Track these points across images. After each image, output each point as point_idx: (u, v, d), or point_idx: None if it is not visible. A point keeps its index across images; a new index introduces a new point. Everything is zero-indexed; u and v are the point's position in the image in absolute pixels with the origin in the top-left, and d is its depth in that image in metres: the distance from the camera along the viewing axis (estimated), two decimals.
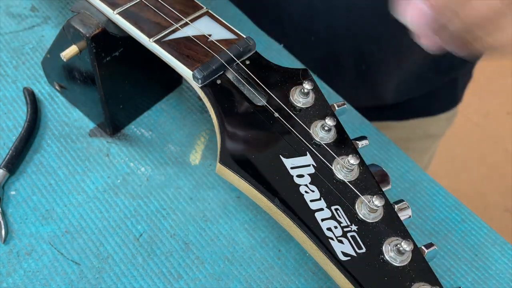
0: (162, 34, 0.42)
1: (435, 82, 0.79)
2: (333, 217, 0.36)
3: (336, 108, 0.41)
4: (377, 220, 0.36)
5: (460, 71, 0.81)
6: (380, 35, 0.70)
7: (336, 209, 0.36)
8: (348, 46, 0.71)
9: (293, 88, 0.41)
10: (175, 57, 0.41)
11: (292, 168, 0.37)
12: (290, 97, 0.41)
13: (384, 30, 0.69)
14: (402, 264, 0.34)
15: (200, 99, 0.57)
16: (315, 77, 0.57)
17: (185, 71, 0.41)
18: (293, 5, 0.70)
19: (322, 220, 0.35)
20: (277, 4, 0.71)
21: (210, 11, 0.45)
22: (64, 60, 0.46)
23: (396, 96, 0.77)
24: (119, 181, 0.51)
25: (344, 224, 0.36)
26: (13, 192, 0.50)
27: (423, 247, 0.36)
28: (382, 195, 0.37)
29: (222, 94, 0.40)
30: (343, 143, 0.39)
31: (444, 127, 0.86)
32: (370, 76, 0.74)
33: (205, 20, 0.44)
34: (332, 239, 0.35)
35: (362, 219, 0.36)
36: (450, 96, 0.84)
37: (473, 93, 0.86)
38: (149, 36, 0.42)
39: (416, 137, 0.83)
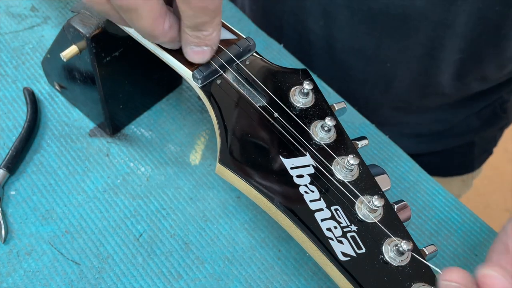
0: None
1: (446, 143, 0.74)
2: (332, 217, 0.36)
3: (336, 108, 0.41)
4: (377, 220, 0.36)
5: (477, 135, 0.75)
6: (380, 92, 0.66)
7: (336, 209, 0.36)
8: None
9: (293, 88, 0.41)
10: (175, 57, 0.41)
11: (291, 168, 0.37)
12: (290, 97, 0.41)
13: (384, 79, 0.65)
14: (402, 264, 0.34)
15: (200, 99, 0.57)
16: (314, 77, 0.57)
17: (185, 71, 0.41)
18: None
19: (322, 220, 0.35)
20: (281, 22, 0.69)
21: None
22: (64, 60, 0.46)
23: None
24: (119, 181, 0.51)
25: (343, 224, 0.36)
26: (13, 192, 0.50)
27: (424, 249, 0.36)
28: (381, 195, 0.37)
29: (222, 94, 0.40)
30: (343, 143, 0.39)
31: (459, 188, 0.80)
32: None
33: None
34: (331, 239, 0.35)
35: (361, 219, 0.36)
36: (464, 161, 0.77)
37: None
38: None
39: None
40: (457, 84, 0.66)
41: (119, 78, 0.50)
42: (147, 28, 0.37)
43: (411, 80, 0.66)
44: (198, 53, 0.39)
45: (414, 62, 0.63)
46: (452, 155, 0.76)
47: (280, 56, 0.62)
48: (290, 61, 0.62)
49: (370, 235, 0.35)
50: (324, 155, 0.38)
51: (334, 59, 0.67)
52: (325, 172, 0.37)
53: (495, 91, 0.70)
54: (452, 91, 0.67)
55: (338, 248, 0.35)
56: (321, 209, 0.36)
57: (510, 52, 0.62)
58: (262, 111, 0.40)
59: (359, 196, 0.36)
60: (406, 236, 0.36)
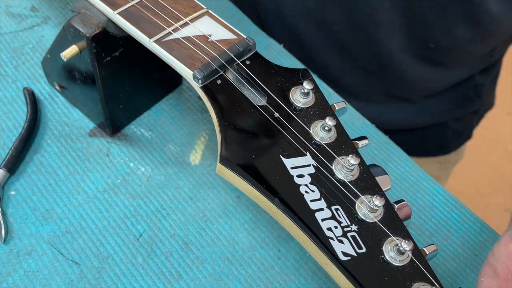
0: (162, 34, 0.42)
1: (418, 120, 0.74)
2: (333, 217, 0.36)
3: (336, 108, 0.41)
4: (377, 220, 0.36)
5: (450, 116, 0.75)
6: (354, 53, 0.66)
7: (336, 209, 0.36)
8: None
9: (293, 88, 0.41)
10: (175, 57, 0.41)
11: (292, 168, 0.37)
12: (290, 97, 0.41)
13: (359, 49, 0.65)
14: (402, 264, 0.34)
15: (200, 99, 0.57)
16: (315, 77, 0.57)
17: (185, 71, 0.41)
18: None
19: (322, 220, 0.35)
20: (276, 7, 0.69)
21: (210, 11, 0.45)
22: (64, 60, 0.46)
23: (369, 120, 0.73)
24: (119, 181, 0.51)
25: (344, 224, 0.36)
26: (13, 192, 0.50)
27: (424, 248, 0.36)
28: (382, 195, 0.37)
29: (222, 94, 0.40)
30: (343, 143, 0.39)
31: (437, 169, 0.80)
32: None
33: (205, 20, 0.44)
34: (332, 239, 0.35)
35: (362, 219, 0.36)
36: (438, 142, 0.78)
37: None
38: (149, 36, 0.42)
39: None
40: (411, 54, 0.64)
41: (119, 78, 0.50)
42: None
43: (364, 46, 0.65)
44: None
45: (360, 26, 0.63)
46: (425, 135, 0.76)
47: (280, 56, 0.62)
48: (290, 61, 0.62)
49: (370, 235, 0.35)
50: (325, 155, 0.38)
51: (286, 24, 0.66)
52: (326, 172, 0.37)
53: (462, 69, 0.69)
54: (408, 62, 0.65)
55: (338, 247, 0.35)
56: (322, 209, 0.36)
57: (453, 13, 0.61)
58: (262, 111, 0.40)
59: (360, 196, 0.36)
60: (406, 236, 0.36)
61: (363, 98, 0.71)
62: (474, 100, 0.74)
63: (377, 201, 0.35)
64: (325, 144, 0.39)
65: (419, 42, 0.64)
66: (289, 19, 0.66)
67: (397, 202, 0.37)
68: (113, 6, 0.44)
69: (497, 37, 0.65)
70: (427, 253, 0.36)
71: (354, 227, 0.35)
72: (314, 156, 0.38)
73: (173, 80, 0.58)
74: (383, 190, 0.38)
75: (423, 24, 0.61)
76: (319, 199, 0.36)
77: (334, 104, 0.41)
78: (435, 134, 0.77)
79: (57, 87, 0.55)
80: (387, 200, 0.37)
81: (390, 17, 0.61)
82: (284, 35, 0.67)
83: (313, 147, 0.38)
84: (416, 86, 0.70)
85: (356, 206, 0.36)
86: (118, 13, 0.43)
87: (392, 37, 0.63)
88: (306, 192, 0.36)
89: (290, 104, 0.40)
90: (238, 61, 0.42)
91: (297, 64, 0.62)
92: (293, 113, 0.40)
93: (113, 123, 0.53)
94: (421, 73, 0.68)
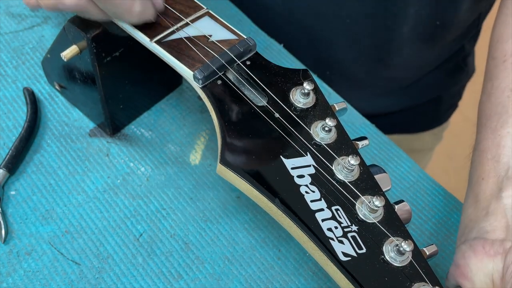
0: (163, 35, 0.42)
1: (416, 98, 0.76)
2: (333, 218, 0.36)
3: (337, 108, 0.41)
4: (377, 220, 0.36)
5: (443, 89, 0.78)
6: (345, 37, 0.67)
7: (337, 210, 0.36)
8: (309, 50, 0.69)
9: (294, 88, 0.41)
10: (176, 58, 0.41)
11: (292, 168, 0.37)
12: (291, 97, 0.41)
13: (350, 34, 0.66)
14: (402, 264, 0.34)
15: (200, 99, 0.57)
16: (315, 77, 0.57)
17: (185, 72, 0.41)
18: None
19: (323, 220, 0.35)
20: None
21: (210, 11, 0.45)
22: (65, 60, 0.46)
23: (370, 107, 0.72)
24: (119, 181, 0.51)
25: (344, 224, 0.36)
26: (13, 192, 0.50)
27: (424, 249, 0.36)
28: (382, 195, 0.37)
29: (223, 95, 0.40)
30: (344, 144, 0.39)
31: (430, 142, 0.83)
32: (337, 81, 0.67)
33: (206, 20, 0.44)
34: (332, 239, 0.35)
35: (362, 219, 0.36)
36: (433, 115, 0.81)
37: (473, 92, 0.84)
38: (150, 36, 0.42)
39: None
40: (416, 36, 0.66)
41: (120, 78, 0.50)
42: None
43: (374, 36, 0.66)
44: None
45: (370, 16, 0.64)
46: (422, 110, 0.79)
47: (280, 56, 0.62)
48: (290, 61, 0.62)
49: (370, 235, 0.35)
50: (325, 155, 0.38)
51: (296, 22, 0.67)
52: (326, 173, 0.37)
53: (456, 40, 0.71)
54: (413, 44, 0.67)
55: (338, 248, 0.35)
56: (322, 209, 0.36)
57: None
58: (262, 111, 0.40)
59: (360, 196, 0.37)
60: (406, 236, 0.36)
61: (370, 90, 0.73)
62: (464, 69, 0.77)
63: (377, 202, 0.35)
64: (325, 144, 0.39)
65: (425, 23, 0.65)
66: (299, 16, 0.66)
67: (397, 203, 0.37)
68: None
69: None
70: (427, 253, 0.36)
71: (354, 228, 0.36)
72: (314, 157, 0.38)
73: (173, 80, 0.58)
74: (383, 190, 0.38)
75: (434, 11, 0.63)
76: (320, 200, 0.36)
77: (334, 104, 0.41)
78: (431, 108, 0.79)
79: (57, 87, 0.55)
80: (387, 201, 0.37)
81: (402, 5, 0.62)
82: (290, 33, 0.67)
83: (314, 148, 0.38)
84: (415, 67, 0.72)
85: (356, 206, 0.36)
86: None
87: (403, 24, 0.64)
88: (307, 192, 0.36)
89: (290, 104, 0.40)
90: (239, 62, 0.42)
91: (297, 64, 0.62)
92: (293, 113, 0.40)
93: (113, 123, 0.53)
94: (421, 53, 0.70)
